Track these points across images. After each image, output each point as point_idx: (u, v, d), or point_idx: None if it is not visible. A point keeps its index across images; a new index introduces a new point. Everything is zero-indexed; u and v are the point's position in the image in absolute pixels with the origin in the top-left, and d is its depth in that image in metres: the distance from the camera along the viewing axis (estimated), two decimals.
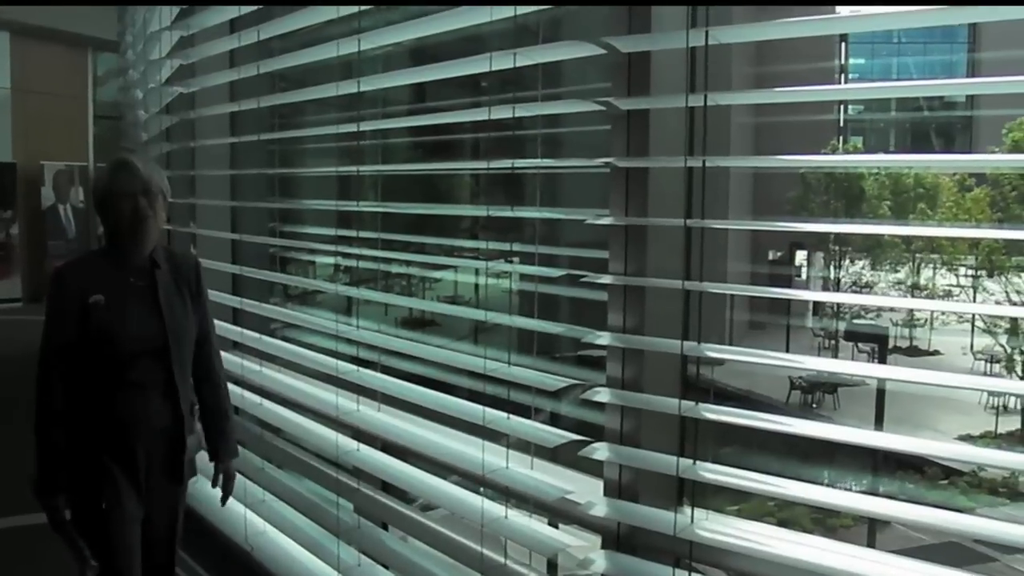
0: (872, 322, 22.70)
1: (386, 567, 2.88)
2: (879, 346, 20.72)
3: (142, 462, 2.59)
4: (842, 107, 26.63)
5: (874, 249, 23.91)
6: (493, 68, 2.23)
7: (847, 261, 24.68)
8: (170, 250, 2.85)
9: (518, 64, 2.16)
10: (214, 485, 2.85)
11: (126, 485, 2.57)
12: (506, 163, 2.24)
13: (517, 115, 2.22)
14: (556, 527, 2.36)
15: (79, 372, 2.54)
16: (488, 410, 2.34)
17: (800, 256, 25.56)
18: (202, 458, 2.86)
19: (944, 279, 23.62)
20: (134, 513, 2.60)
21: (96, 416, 2.55)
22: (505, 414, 2.32)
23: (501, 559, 2.34)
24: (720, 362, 2.01)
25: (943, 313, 22.95)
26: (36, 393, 2.53)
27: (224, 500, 2.90)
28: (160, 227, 2.65)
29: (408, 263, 3.44)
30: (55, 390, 2.52)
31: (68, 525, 2.55)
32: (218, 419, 2.86)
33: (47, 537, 2.55)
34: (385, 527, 2.97)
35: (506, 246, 2.57)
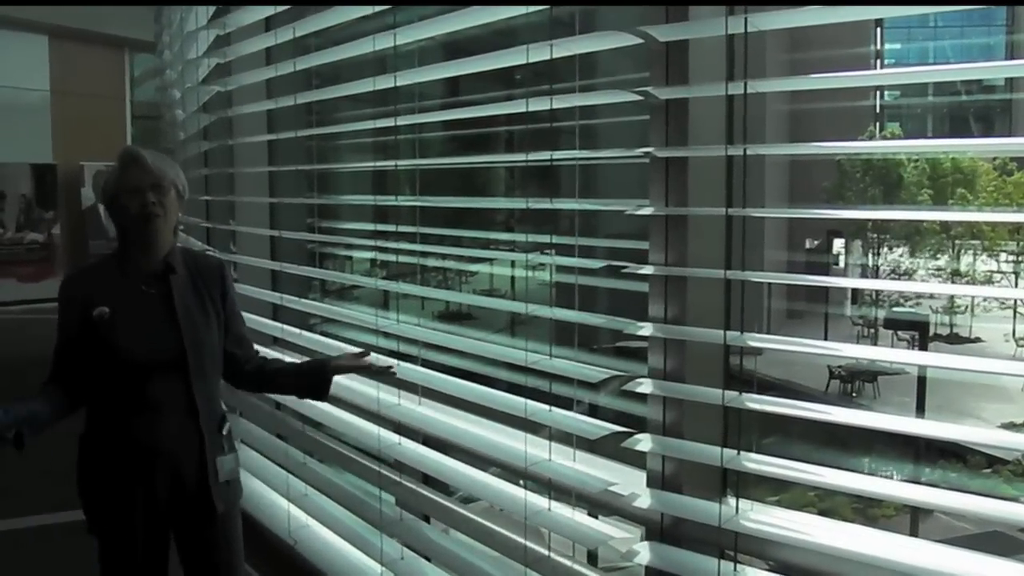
0: (912, 310, 22.47)
1: (428, 559, 2.89)
2: (919, 334, 20.51)
3: (163, 490, 2.39)
4: (878, 93, 26.35)
5: (913, 236, 23.66)
6: (530, 60, 2.22)
7: (885, 248, 24.44)
8: (190, 252, 2.64)
9: (555, 55, 2.16)
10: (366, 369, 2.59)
11: (145, 515, 2.39)
12: (545, 155, 2.24)
13: (554, 107, 2.21)
14: (596, 518, 2.36)
15: (92, 390, 2.38)
16: (530, 403, 2.33)
17: (838, 244, 25.36)
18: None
19: (985, 265, 23.34)
20: (154, 544, 2.43)
21: (112, 440, 2.37)
22: (547, 406, 2.32)
23: (544, 551, 2.34)
24: (759, 352, 1.99)
25: (984, 299, 22.67)
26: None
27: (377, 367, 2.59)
28: (173, 226, 2.46)
29: (444, 257, 3.44)
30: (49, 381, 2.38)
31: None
32: (280, 362, 2.69)
33: (62, 537, 2.44)
34: (427, 520, 2.98)
35: (546, 238, 2.55)
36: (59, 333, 2.40)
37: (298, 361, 2.72)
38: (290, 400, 3.46)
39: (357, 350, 2.71)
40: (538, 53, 2.19)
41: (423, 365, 2.92)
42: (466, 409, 2.75)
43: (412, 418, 2.84)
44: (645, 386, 2.06)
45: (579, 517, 2.27)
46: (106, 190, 2.42)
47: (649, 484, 2.14)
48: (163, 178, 2.38)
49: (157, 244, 2.42)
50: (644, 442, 2.07)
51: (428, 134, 3.09)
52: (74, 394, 2.39)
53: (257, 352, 2.70)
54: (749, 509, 1.96)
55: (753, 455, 1.92)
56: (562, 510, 2.32)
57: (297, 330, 3.59)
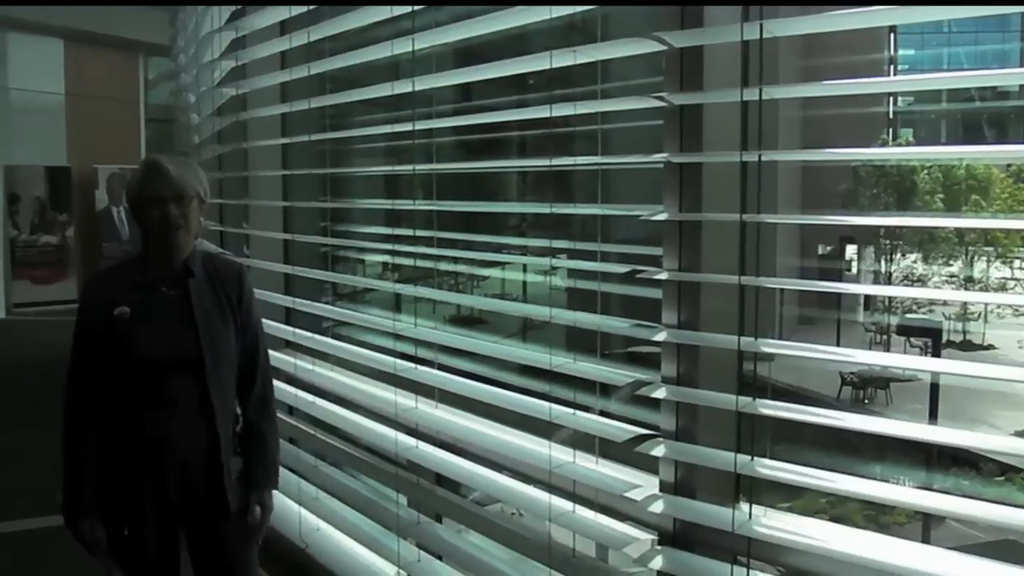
0: (925, 316, 22.35)
1: (440, 558, 2.90)
2: (932, 340, 20.37)
3: (173, 487, 2.42)
4: (891, 99, 26.24)
5: (926, 243, 23.55)
6: (552, 66, 2.22)
7: (898, 255, 24.32)
8: (211, 256, 2.66)
9: (573, 62, 2.16)
10: (248, 518, 2.52)
11: (155, 511, 2.41)
12: (567, 160, 2.24)
13: (570, 113, 2.22)
14: None
15: (108, 388, 2.40)
16: (554, 406, 2.34)
17: (850, 250, 25.24)
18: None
19: (998, 271, 23.22)
20: (165, 541, 2.44)
21: (124, 435, 2.39)
22: (570, 410, 2.32)
23: (567, 552, 2.34)
24: (771, 357, 1.99)
25: (998, 306, 22.53)
26: (63, 411, 2.40)
27: (252, 539, 2.56)
28: (195, 233, 2.49)
29: (457, 260, 3.44)
30: (80, 409, 2.39)
31: (101, 549, 2.37)
32: (260, 442, 2.58)
33: (66, 540, 2.43)
34: (439, 520, 2.98)
35: (565, 243, 2.55)
36: (80, 334, 2.43)
37: (259, 456, 2.58)
38: (301, 403, 3.48)
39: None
40: (560, 59, 2.20)
41: (440, 368, 2.93)
42: (475, 412, 2.75)
43: (430, 422, 2.84)
44: (660, 391, 2.06)
45: (602, 519, 2.28)
46: (128, 196, 2.44)
47: (662, 489, 2.14)
48: (185, 189, 2.40)
49: (178, 251, 2.45)
50: (658, 447, 2.07)
51: (440, 139, 3.10)
52: (98, 401, 2.41)
53: (264, 396, 2.63)
54: (762, 515, 1.96)
55: (766, 461, 1.92)
56: (584, 513, 2.32)
57: (309, 334, 3.60)
